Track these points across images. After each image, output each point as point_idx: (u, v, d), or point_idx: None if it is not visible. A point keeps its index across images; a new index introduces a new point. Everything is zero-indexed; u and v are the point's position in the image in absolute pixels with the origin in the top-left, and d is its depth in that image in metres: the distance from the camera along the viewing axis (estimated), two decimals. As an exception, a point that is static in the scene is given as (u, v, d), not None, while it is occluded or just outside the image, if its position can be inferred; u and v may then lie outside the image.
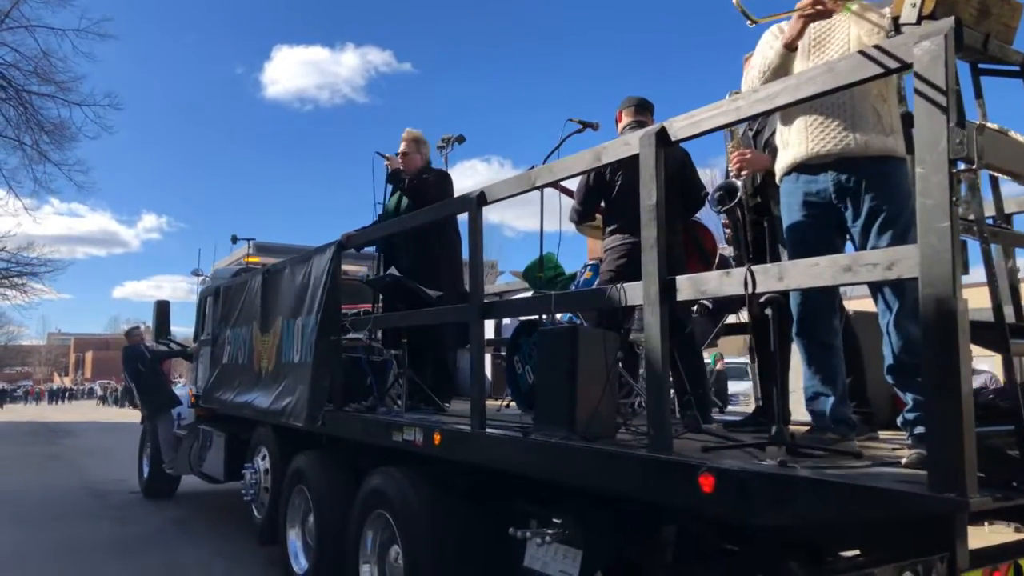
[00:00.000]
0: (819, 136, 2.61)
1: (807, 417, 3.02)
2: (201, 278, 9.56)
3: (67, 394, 61.83)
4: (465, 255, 4.84)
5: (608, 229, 3.74)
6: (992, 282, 1.84)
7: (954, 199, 1.71)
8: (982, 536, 3.01)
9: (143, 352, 9.21)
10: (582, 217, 3.93)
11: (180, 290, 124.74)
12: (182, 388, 9.66)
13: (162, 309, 9.26)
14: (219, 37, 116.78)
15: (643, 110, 3.78)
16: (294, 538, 5.13)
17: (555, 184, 3.38)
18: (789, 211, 2.75)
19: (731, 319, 4.56)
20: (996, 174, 2.11)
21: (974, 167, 1.73)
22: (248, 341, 6.45)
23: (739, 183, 3.08)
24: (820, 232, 2.70)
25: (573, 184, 3.85)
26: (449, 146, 21.42)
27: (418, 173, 4.98)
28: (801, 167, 2.70)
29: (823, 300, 2.77)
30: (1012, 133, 1.97)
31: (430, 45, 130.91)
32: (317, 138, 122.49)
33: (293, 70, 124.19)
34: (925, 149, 1.78)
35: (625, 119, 3.78)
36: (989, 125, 1.93)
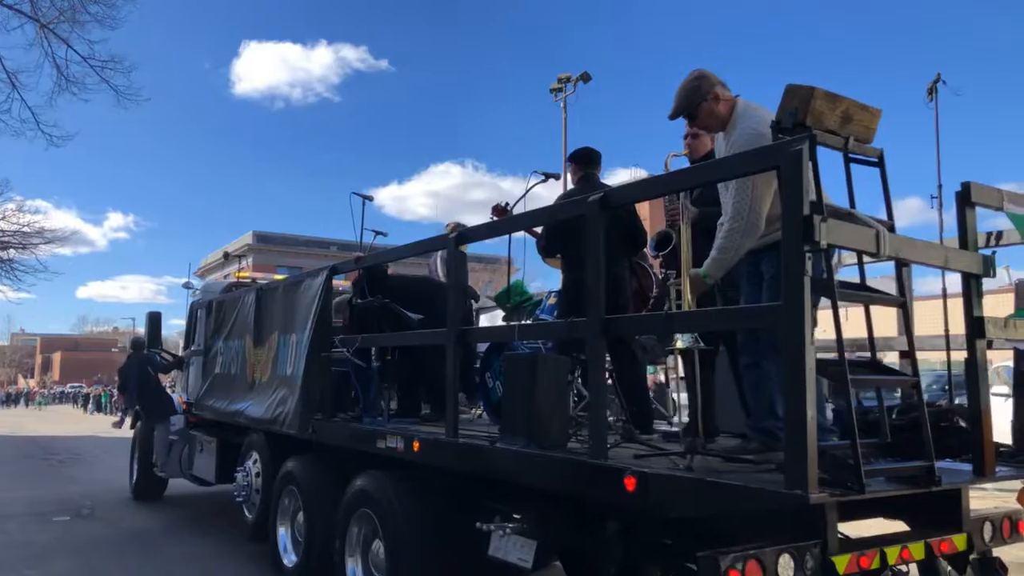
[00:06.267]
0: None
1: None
2: (192, 291, 10.02)
3: (21, 397, 59.43)
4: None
5: (566, 265, 4.34)
6: (838, 330, 2.43)
7: (805, 271, 2.30)
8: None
9: (156, 360, 9.62)
10: (547, 254, 4.54)
11: (146, 291, 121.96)
12: (172, 396, 10.11)
13: (154, 320, 9.73)
14: (185, 31, 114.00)
15: (588, 164, 4.41)
16: (284, 534, 5.64)
17: (524, 228, 3.98)
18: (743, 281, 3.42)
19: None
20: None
21: (821, 247, 2.33)
22: (241, 353, 6.94)
23: (672, 232, 3.70)
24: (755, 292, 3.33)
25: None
26: (570, 87, 20.41)
27: None
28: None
29: (755, 331, 3.33)
30: (858, 214, 2.57)
31: (407, 42, 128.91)
32: (289, 137, 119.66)
33: (263, 67, 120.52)
34: (787, 233, 2.38)
35: (576, 173, 4.39)
36: (839, 208, 2.53)
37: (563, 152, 23.33)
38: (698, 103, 3.29)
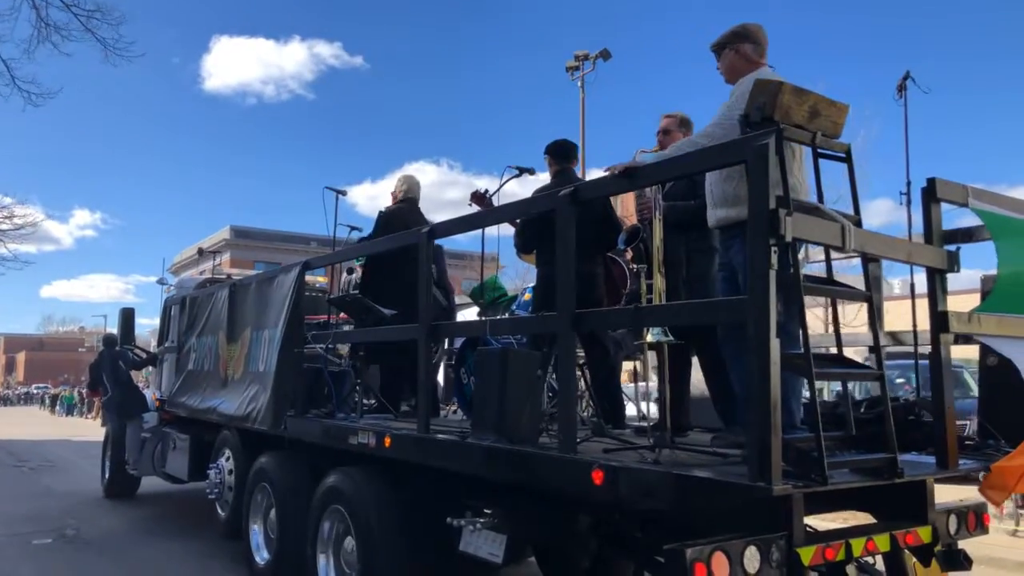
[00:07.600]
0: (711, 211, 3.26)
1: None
2: (166, 287, 9.92)
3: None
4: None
5: (540, 260, 4.33)
6: (803, 324, 2.45)
7: (771, 265, 2.32)
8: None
9: (129, 356, 9.49)
10: (523, 250, 4.53)
11: (114, 290, 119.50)
12: (146, 393, 9.98)
13: (127, 317, 9.61)
14: (154, 24, 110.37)
15: (565, 158, 4.40)
16: (256, 531, 5.59)
17: (496, 223, 3.97)
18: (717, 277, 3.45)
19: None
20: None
21: (786, 240, 2.34)
22: (214, 349, 6.87)
23: (640, 226, 3.72)
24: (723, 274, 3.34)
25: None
26: (588, 65, 18.68)
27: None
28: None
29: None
30: (824, 209, 2.59)
31: (382, 39, 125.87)
32: (262, 134, 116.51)
33: (234, 62, 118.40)
34: (753, 225, 2.39)
35: (552, 166, 4.39)
36: (805, 203, 2.55)
37: (581, 136, 20.37)
38: (724, 45, 3.45)
